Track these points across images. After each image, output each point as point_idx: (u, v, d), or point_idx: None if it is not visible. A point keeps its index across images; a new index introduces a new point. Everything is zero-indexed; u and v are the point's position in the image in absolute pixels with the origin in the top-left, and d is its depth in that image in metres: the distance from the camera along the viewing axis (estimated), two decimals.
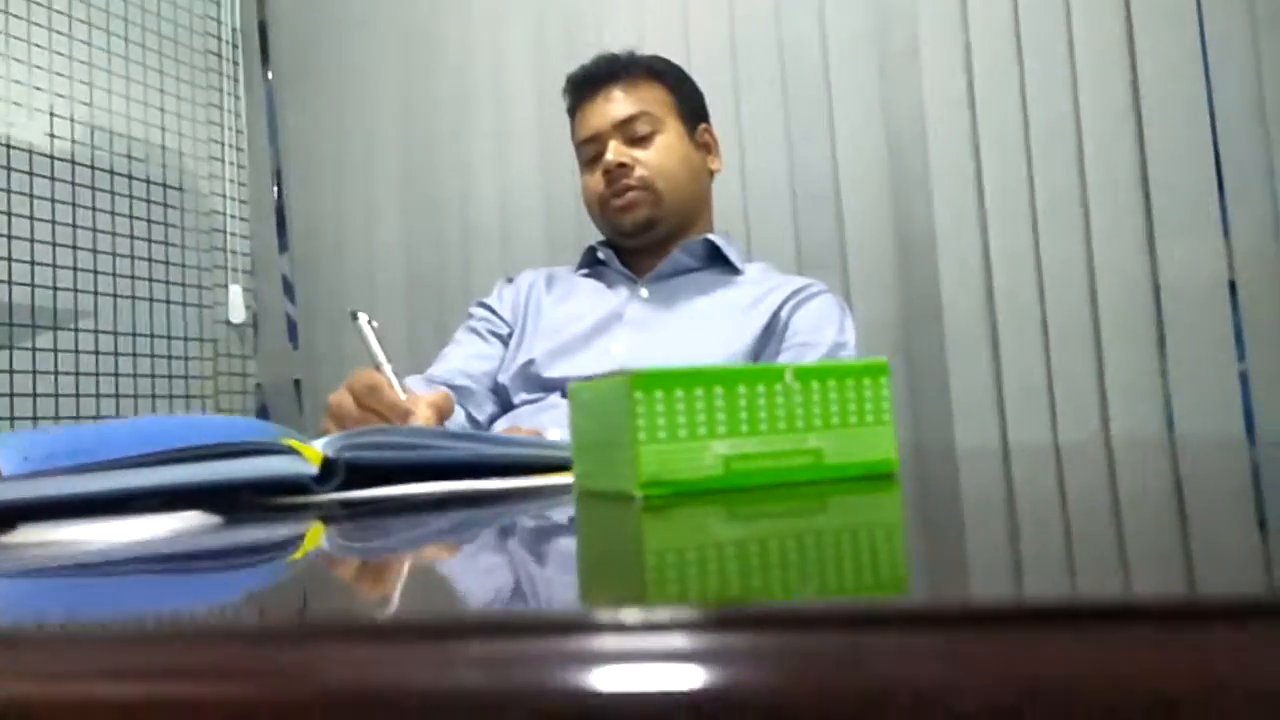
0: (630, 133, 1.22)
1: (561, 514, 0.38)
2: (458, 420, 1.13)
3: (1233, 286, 1.29)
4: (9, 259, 1.59)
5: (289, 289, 1.95)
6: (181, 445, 0.54)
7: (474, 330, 1.29)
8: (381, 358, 0.79)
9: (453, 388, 1.17)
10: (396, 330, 1.79)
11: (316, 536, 0.38)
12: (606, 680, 0.15)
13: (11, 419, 1.59)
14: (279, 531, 0.40)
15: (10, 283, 1.59)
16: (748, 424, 0.36)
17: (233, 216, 1.96)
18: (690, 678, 0.15)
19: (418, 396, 0.77)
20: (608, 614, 0.16)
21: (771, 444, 0.37)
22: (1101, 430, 1.33)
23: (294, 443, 0.57)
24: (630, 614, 0.16)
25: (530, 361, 1.19)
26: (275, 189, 1.97)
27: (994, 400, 1.40)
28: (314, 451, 0.58)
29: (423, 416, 0.74)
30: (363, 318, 0.82)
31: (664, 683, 0.15)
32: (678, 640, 0.15)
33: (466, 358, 1.24)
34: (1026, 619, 0.16)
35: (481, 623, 0.17)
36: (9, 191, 1.59)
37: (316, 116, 1.90)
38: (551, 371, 1.17)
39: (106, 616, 0.22)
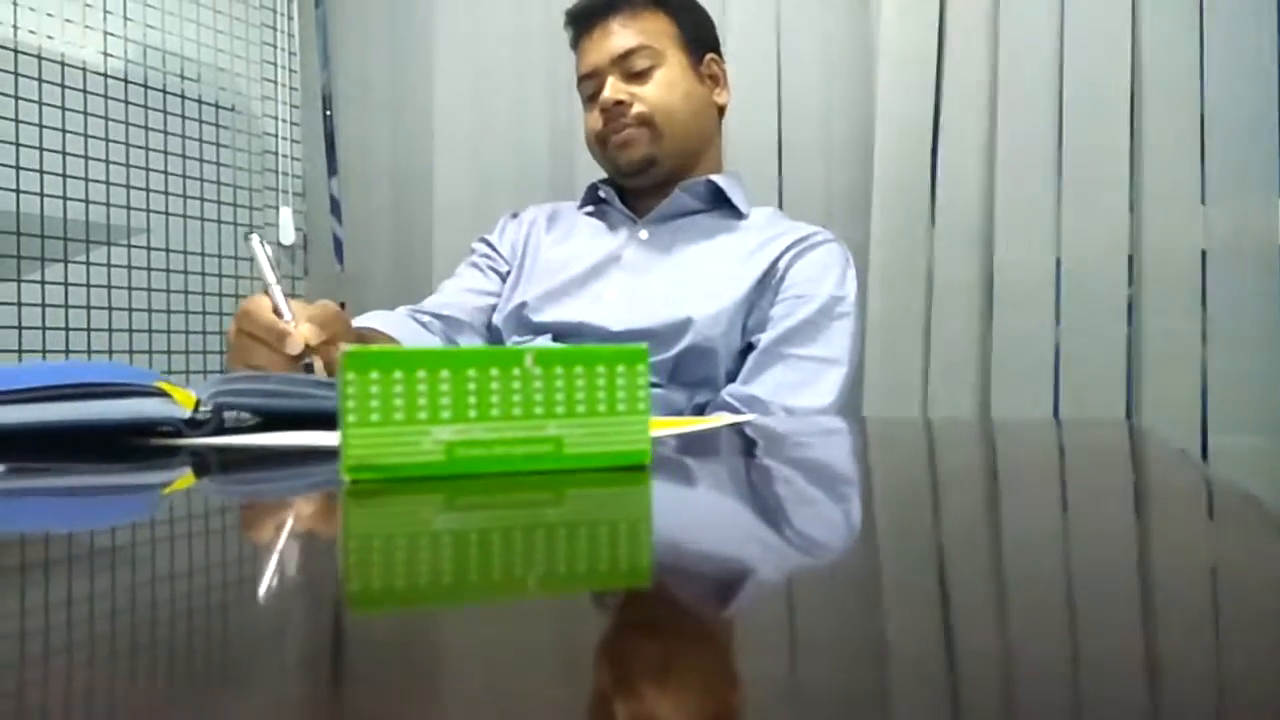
0: (628, 67, 1.17)
1: (306, 486, 0.37)
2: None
3: None
4: (64, 175, 1.65)
5: (336, 209, 1.98)
6: (49, 383, 0.55)
7: (474, 265, 1.28)
8: (270, 279, 0.79)
9: (439, 318, 1.17)
10: (443, 256, 1.81)
11: None
12: None
13: (66, 330, 1.67)
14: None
15: (65, 198, 1.65)
16: (477, 409, 0.34)
17: (284, 139, 1.99)
18: None
19: (300, 314, 0.77)
20: None
21: (503, 431, 0.35)
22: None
23: (165, 385, 0.58)
24: None
25: (523, 304, 1.18)
26: (326, 112, 1.99)
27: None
28: (186, 395, 0.58)
29: (302, 335, 0.75)
30: (255, 239, 0.83)
31: None
32: None
33: (462, 291, 1.24)
34: None
35: None
36: (64, 109, 1.64)
37: (368, 40, 1.91)
38: (542, 316, 1.15)
39: None
